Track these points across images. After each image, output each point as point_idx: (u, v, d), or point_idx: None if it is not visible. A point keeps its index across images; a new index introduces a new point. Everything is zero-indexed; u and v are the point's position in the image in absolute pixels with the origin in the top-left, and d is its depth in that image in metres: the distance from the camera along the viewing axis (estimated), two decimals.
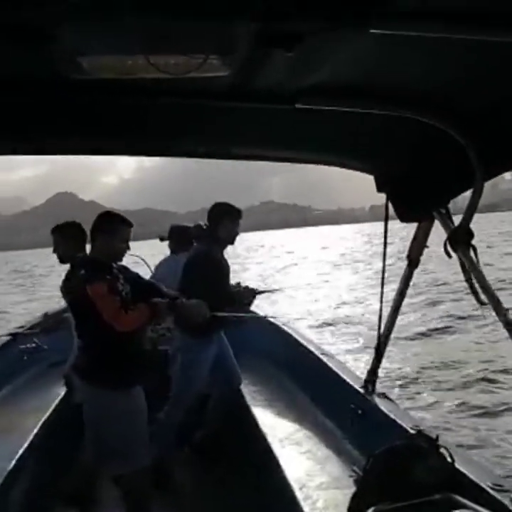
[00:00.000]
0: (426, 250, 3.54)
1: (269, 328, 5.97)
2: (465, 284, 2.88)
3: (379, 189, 3.36)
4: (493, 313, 2.76)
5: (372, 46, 1.82)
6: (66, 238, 4.18)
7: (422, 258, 3.61)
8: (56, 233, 4.25)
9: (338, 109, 2.37)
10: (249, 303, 4.95)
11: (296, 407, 4.70)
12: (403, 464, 2.61)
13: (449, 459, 2.62)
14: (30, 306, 20.11)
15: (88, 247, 3.72)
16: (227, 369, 4.88)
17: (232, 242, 4.66)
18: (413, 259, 3.61)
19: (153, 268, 6.06)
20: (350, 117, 2.45)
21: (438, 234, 3.12)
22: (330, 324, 15.14)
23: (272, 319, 6.37)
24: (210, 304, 3.77)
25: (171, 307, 3.60)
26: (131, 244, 3.60)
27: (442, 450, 2.65)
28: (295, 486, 3.24)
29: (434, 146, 2.71)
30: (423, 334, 12.97)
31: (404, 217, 3.35)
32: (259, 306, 6.68)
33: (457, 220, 2.90)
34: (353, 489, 2.75)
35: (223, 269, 4.61)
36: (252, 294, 4.85)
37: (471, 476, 2.65)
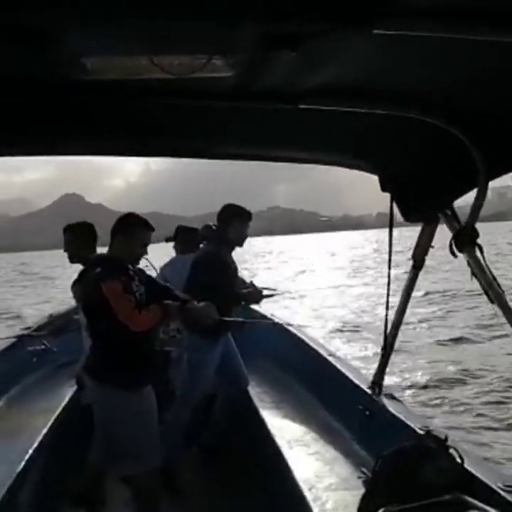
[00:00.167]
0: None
1: (276, 330, 5.97)
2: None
3: (383, 189, 3.36)
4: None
5: (376, 46, 1.82)
6: (77, 237, 4.20)
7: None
8: (68, 232, 4.26)
9: (341, 109, 2.37)
10: (257, 303, 5.00)
11: (303, 408, 4.69)
12: (412, 464, 2.60)
13: (458, 460, 2.62)
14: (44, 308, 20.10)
15: (99, 248, 3.73)
16: (234, 370, 4.89)
17: (241, 244, 4.67)
18: (418, 260, 3.60)
19: (159, 269, 6.06)
20: (354, 117, 2.46)
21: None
22: (354, 330, 15.04)
23: (279, 321, 6.38)
24: (218, 305, 3.79)
25: (182, 309, 3.61)
26: None
27: (451, 451, 2.65)
28: (304, 487, 3.23)
29: (438, 146, 2.71)
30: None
31: (408, 218, 3.34)
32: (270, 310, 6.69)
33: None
34: (362, 490, 2.75)
35: (231, 270, 4.63)
36: (259, 295, 4.87)
37: (481, 477, 2.65)
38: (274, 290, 5.79)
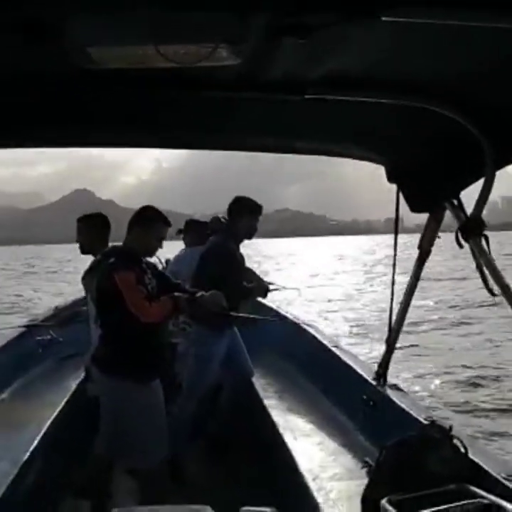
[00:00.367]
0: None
1: (280, 323, 5.98)
2: None
3: (389, 180, 3.35)
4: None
5: (383, 35, 1.81)
6: (90, 228, 4.21)
7: None
8: (81, 222, 4.27)
9: (348, 100, 2.36)
10: (263, 297, 5.06)
11: (308, 398, 4.70)
12: (416, 454, 2.61)
13: (462, 450, 2.62)
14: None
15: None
16: (239, 362, 4.91)
17: (249, 237, 4.69)
18: (424, 250, 3.60)
19: (169, 262, 6.07)
20: (360, 107, 2.44)
21: None
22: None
23: (283, 313, 6.38)
24: (226, 296, 3.80)
25: (191, 302, 3.61)
26: None
27: (455, 441, 2.66)
28: (308, 477, 3.24)
29: (445, 135, 2.70)
30: None
31: (415, 208, 3.33)
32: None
33: None
34: (366, 480, 2.76)
35: (239, 262, 4.65)
36: (266, 288, 4.92)
37: (485, 467, 2.65)
38: (282, 286, 5.81)
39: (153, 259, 3.89)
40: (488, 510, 2.30)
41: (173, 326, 5.09)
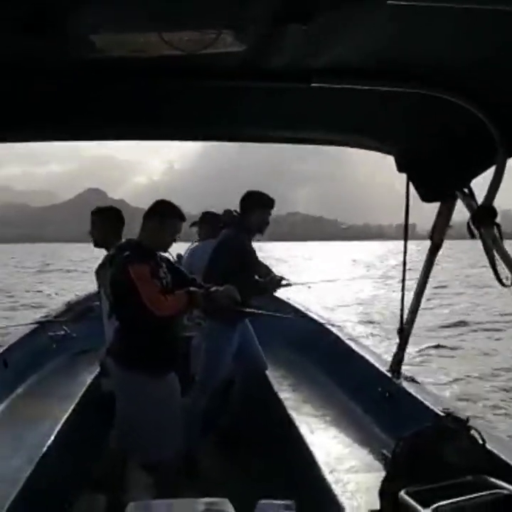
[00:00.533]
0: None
1: (294, 317, 5.96)
2: None
3: (399, 169, 3.32)
4: None
5: (390, 21, 1.77)
6: (104, 222, 4.20)
7: None
8: (95, 215, 4.26)
9: (355, 88, 2.32)
10: (274, 291, 5.09)
11: (322, 391, 4.69)
12: (433, 446, 2.59)
13: (480, 441, 2.60)
14: None
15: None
16: (252, 355, 4.91)
17: (261, 232, 4.69)
18: (436, 241, 3.57)
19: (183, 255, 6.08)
20: (368, 96, 2.41)
21: None
22: None
23: (296, 305, 6.37)
24: (238, 290, 3.79)
25: (206, 296, 3.61)
26: None
27: (473, 432, 2.63)
28: (325, 470, 3.24)
29: (455, 123, 2.66)
30: None
31: (425, 198, 3.30)
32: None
33: None
34: (383, 472, 2.75)
35: (251, 256, 4.65)
36: (278, 283, 4.92)
37: (504, 457, 2.62)
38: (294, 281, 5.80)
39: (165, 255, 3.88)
40: (508, 501, 2.28)
41: (188, 320, 5.10)
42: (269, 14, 1.71)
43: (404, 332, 3.88)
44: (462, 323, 17.28)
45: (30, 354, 5.18)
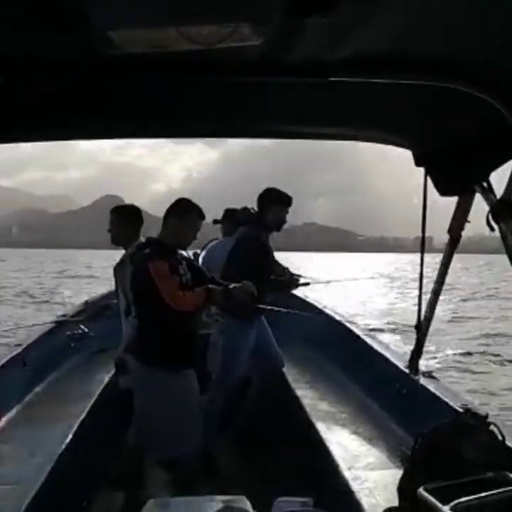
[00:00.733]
0: None
1: (312, 314, 5.95)
2: None
3: (417, 164, 3.29)
4: None
5: (408, 12, 1.75)
6: (122, 220, 4.21)
7: None
8: (114, 213, 4.27)
9: (373, 81, 2.30)
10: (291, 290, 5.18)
11: (339, 388, 4.68)
12: (452, 442, 2.56)
13: (499, 437, 2.56)
14: None
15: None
16: (269, 352, 4.91)
17: (278, 229, 4.71)
18: (454, 235, 3.54)
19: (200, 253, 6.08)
20: (385, 89, 2.38)
21: None
22: None
23: (313, 302, 6.35)
24: (256, 287, 3.80)
25: (224, 293, 3.63)
26: None
27: (492, 427, 2.60)
28: (343, 467, 3.22)
29: (473, 116, 2.62)
30: None
31: (444, 192, 3.27)
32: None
33: None
34: (401, 469, 2.73)
35: (269, 253, 4.67)
36: (296, 281, 4.97)
37: None
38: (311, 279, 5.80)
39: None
40: None
41: (207, 316, 5.11)
42: (286, 7, 1.69)
43: (422, 328, 3.85)
44: None
45: (48, 353, 5.21)
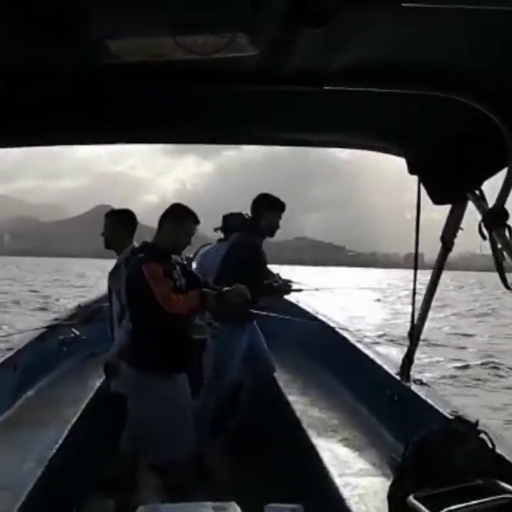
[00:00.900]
0: None
1: (302, 317, 5.96)
2: None
3: (411, 171, 3.32)
4: None
5: (403, 23, 1.77)
6: (116, 224, 4.22)
7: None
8: (109, 217, 4.28)
9: (367, 90, 2.32)
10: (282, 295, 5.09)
11: (331, 394, 4.68)
12: (442, 449, 2.57)
13: (489, 445, 2.57)
14: None
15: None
16: (260, 357, 4.91)
17: (271, 235, 4.72)
18: (447, 242, 3.56)
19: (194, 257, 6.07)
20: (380, 98, 2.40)
21: None
22: None
23: (305, 307, 6.36)
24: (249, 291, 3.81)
25: (218, 296, 3.65)
26: None
27: (482, 435, 2.61)
28: (334, 473, 3.22)
29: (466, 125, 2.65)
30: None
31: (436, 200, 3.30)
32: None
33: None
34: (391, 476, 2.73)
35: (263, 258, 4.68)
36: (287, 288, 4.94)
37: None
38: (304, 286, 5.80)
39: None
40: None
41: (200, 320, 5.10)
42: (282, 18, 1.71)
43: (414, 335, 3.87)
44: None
45: (40, 357, 5.19)
